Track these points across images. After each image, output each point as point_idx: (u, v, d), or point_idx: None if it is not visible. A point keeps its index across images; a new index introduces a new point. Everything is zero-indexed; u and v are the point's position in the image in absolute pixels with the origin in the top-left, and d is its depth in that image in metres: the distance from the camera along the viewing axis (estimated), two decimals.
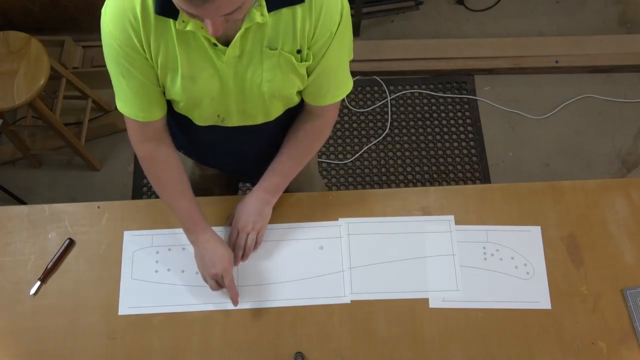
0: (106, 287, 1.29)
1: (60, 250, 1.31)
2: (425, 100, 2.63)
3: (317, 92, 1.17)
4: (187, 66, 1.04)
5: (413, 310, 1.29)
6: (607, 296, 1.31)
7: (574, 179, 1.44)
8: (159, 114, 1.16)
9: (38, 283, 1.29)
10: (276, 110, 1.20)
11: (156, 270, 1.31)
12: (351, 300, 1.29)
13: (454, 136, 2.55)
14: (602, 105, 2.65)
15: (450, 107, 2.61)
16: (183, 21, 0.97)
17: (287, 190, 1.35)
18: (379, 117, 2.58)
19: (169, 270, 1.31)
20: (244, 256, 1.30)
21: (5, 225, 1.35)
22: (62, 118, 2.25)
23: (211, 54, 1.03)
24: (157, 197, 2.16)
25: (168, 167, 1.23)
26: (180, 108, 1.16)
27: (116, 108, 1.17)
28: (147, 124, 1.16)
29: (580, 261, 1.34)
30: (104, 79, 2.61)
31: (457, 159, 2.50)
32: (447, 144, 2.54)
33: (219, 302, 1.28)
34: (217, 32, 0.90)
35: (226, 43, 1.02)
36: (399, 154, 2.51)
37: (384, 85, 2.61)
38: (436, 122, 2.58)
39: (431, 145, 2.53)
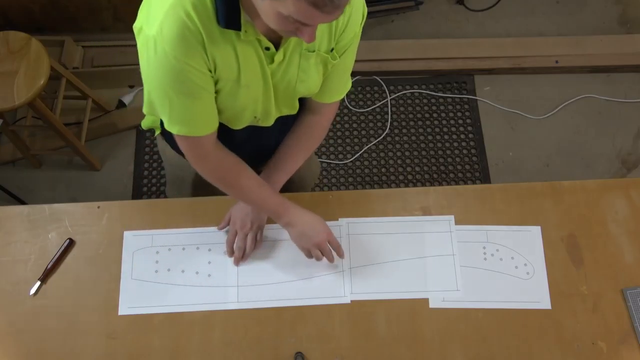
0: (106, 287, 1.29)
1: (60, 250, 1.31)
2: (425, 100, 2.63)
3: (326, 90, 1.19)
4: (245, 75, 1.05)
5: (413, 310, 1.29)
6: (607, 296, 1.31)
7: (574, 179, 1.44)
8: (218, 121, 1.15)
9: (38, 283, 1.29)
10: (299, 104, 1.23)
11: (156, 270, 1.31)
12: (351, 300, 1.29)
13: (454, 136, 2.54)
14: (602, 105, 2.65)
15: (450, 107, 2.61)
16: (245, 31, 0.98)
17: None
18: (379, 117, 2.58)
19: (169, 270, 1.31)
20: (244, 257, 1.30)
21: (5, 225, 1.35)
22: (62, 118, 2.25)
23: (263, 59, 1.04)
24: (157, 197, 2.15)
25: (238, 167, 1.22)
26: (225, 117, 1.15)
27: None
28: (211, 135, 1.14)
29: (580, 261, 1.34)
30: (104, 79, 2.63)
31: (457, 159, 2.50)
32: (447, 144, 2.54)
33: (219, 302, 1.28)
34: (314, 39, 0.91)
35: (275, 46, 1.04)
36: (399, 154, 2.51)
37: (384, 85, 2.61)
38: (436, 122, 2.58)
39: (431, 145, 2.53)
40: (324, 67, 1.13)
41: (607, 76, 2.70)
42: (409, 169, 2.48)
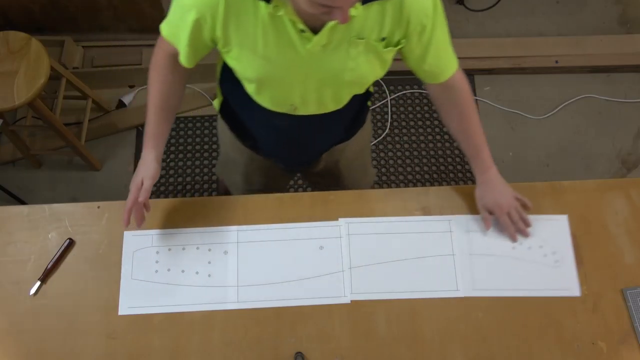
0: (106, 287, 1.29)
1: (60, 250, 1.31)
2: (425, 100, 2.63)
3: (438, 70, 1.22)
4: (263, 47, 1.07)
5: (413, 310, 1.29)
6: (607, 296, 1.31)
7: (574, 179, 1.44)
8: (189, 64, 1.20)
9: (38, 283, 1.29)
10: (347, 97, 1.24)
11: (156, 270, 1.31)
12: (351, 300, 1.29)
13: None
14: (602, 105, 2.65)
15: None
16: (276, 6, 1.00)
17: (341, 178, 1.51)
18: (379, 117, 2.58)
19: (169, 270, 1.32)
20: (523, 231, 1.32)
21: (5, 225, 1.35)
22: (62, 118, 2.25)
23: (295, 40, 1.05)
24: (157, 197, 2.17)
25: (173, 79, 1.25)
26: (252, 89, 1.19)
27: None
28: (176, 52, 1.19)
29: (580, 261, 1.34)
30: (104, 79, 2.63)
31: (457, 159, 2.50)
32: (447, 144, 2.54)
33: (219, 302, 1.28)
34: (347, 19, 0.93)
35: (312, 30, 1.04)
36: (399, 154, 2.51)
37: (384, 85, 2.61)
38: (436, 122, 2.58)
39: (431, 145, 2.53)
40: (376, 57, 1.12)
41: (607, 76, 2.70)
42: (409, 169, 2.48)
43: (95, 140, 2.49)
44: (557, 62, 2.65)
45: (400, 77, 2.63)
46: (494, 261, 1.33)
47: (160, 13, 2.45)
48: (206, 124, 2.56)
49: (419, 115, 2.59)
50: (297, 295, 1.29)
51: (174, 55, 1.20)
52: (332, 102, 1.23)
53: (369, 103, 1.49)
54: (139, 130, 2.52)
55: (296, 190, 2.43)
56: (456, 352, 1.25)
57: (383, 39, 1.10)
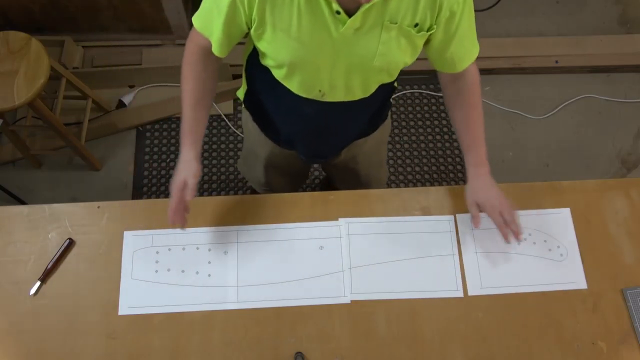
0: (106, 287, 1.29)
1: (60, 250, 1.31)
2: (425, 100, 2.63)
3: (457, 59, 1.20)
4: (297, 29, 1.06)
5: (413, 310, 1.29)
6: (607, 296, 1.31)
7: (574, 179, 1.44)
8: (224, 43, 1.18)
9: (38, 283, 1.29)
10: (374, 85, 1.24)
11: (156, 270, 1.31)
12: (351, 300, 1.29)
13: (454, 136, 2.54)
14: (602, 105, 2.65)
15: None
16: None
17: (358, 173, 1.52)
18: None
19: (169, 270, 1.32)
20: (518, 235, 1.30)
21: (5, 225, 1.35)
22: (62, 118, 2.26)
23: (329, 23, 1.05)
24: (157, 197, 2.18)
25: (206, 75, 1.24)
26: (282, 74, 1.18)
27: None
28: (209, 44, 1.19)
29: (580, 261, 1.34)
30: (104, 79, 2.63)
31: (457, 159, 2.50)
32: (447, 144, 2.54)
33: (219, 302, 1.28)
34: None
35: (346, 13, 1.03)
36: (398, 154, 2.51)
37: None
38: (436, 122, 2.58)
39: (431, 145, 2.53)
40: (408, 42, 1.11)
41: (607, 76, 2.70)
42: (409, 169, 2.48)
43: (95, 140, 2.49)
44: (557, 62, 2.65)
45: (401, 77, 2.62)
46: (499, 258, 1.34)
47: (161, 13, 2.46)
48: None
49: (419, 115, 2.59)
50: (297, 295, 1.29)
51: (206, 49, 1.20)
52: (359, 89, 1.22)
53: (391, 100, 1.49)
54: (139, 130, 2.52)
55: (303, 189, 2.43)
56: (456, 352, 1.25)
57: (416, 25, 1.08)
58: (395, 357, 1.25)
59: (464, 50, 1.20)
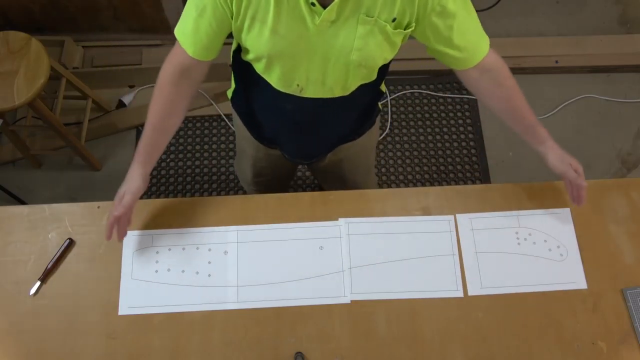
0: (106, 287, 1.29)
1: (60, 250, 1.31)
2: (425, 100, 2.63)
3: (467, 53, 1.19)
4: (273, 20, 1.06)
5: (413, 310, 1.29)
6: (607, 296, 1.31)
7: None
8: (206, 57, 1.18)
9: (38, 283, 1.29)
10: (354, 84, 1.22)
11: (156, 270, 1.31)
12: (351, 300, 1.29)
13: (454, 136, 2.55)
14: (602, 105, 2.65)
15: (450, 107, 2.61)
16: None
17: (344, 178, 1.54)
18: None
19: (169, 270, 1.32)
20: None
21: (5, 225, 1.35)
22: (62, 118, 2.26)
23: (304, 14, 1.04)
24: (157, 197, 2.17)
25: (175, 98, 1.23)
26: (262, 67, 1.18)
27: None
28: (191, 61, 1.18)
29: (580, 261, 1.34)
30: (104, 79, 2.63)
31: (457, 159, 2.50)
32: (447, 144, 2.54)
33: (219, 302, 1.28)
34: None
35: (322, 6, 1.03)
36: (399, 154, 2.51)
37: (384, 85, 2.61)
38: (436, 122, 2.58)
39: (431, 145, 2.53)
40: (385, 39, 1.10)
41: (607, 76, 2.70)
42: (409, 169, 2.48)
43: (95, 140, 2.49)
44: (557, 62, 2.65)
45: (401, 77, 2.63)
46: (500, 258, 1.34)
47: (160, 13, 2.46)
48: (206, 124, 2.56)
49: (419, 115, 2.59)
50: (297, 295, 1.29)
51: (183, 67, 1.19)
52: (338, 85, 1.21)
53: (380, 106, 1.48)
54: (139, 130, 2.52)
55: (303, 189, 2.43)
56: (456, 352, 1.25)
57: (394, 20, 1.07)
58: (395, 357, 1.25)
59: (471, 43, 1.18)
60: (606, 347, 1.26)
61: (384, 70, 1.27)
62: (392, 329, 1.27)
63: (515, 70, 2.62)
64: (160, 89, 1.22)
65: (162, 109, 1.23)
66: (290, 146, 1.48)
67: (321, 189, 2.31)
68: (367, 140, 1.54)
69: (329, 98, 1.23)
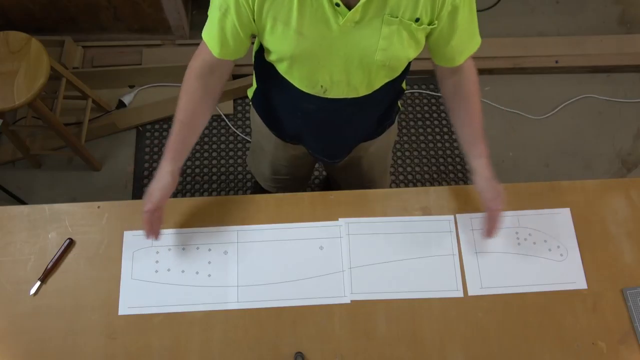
0: (106, 287, 1.29)
1: (60, 250, 1.31)
2: (425, 101, 2.63)
3: (458, 53, 1.19)
4: (297, 21, 1.05)
5: (413, 310, 1.29)
6: (607, 296, 1.31)
7: (574, 179, 1.44)
8: (232, 56, 1.19)
9: (38, 283, 1.29)
10: (379, 82, 1.22)
11: (156, 270, 1.31)
12: (351, 300, 1.29)
13: (454, 136, 2.54)
14: (602, 105, 2.65)
15: None
16: None
17: (360, 178, 1.54)
18: None
19: (169, 270, 1.32)
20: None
21: (5, 225, 1.35)
22: (62, 118, 2.26)
23: (328, 15, 1.04)
24: None
25: (202, 94, 1.23)
26: (284, 68, 1.18)
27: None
28: (217, 60, 1.18)
29: (580, 261, 1.34)
30: (104, 79, 2.63)
31: (457, 159, 2.50)
32: (447, 144, 2.54)
33: (219, 302, 1.28)
34: None
35: (346, 6, 1.03)
36: (399, 154, 2.51)
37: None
38: (436, 122, 2.58)
39: (431, 145, 2.53)
40: (410, 37, 1.10)
41: (607, 76, 2.70)
42: (409, 169, 2.48)
43: (95, 140, 2.49)
44: (557, 62, 2.65)
45: None
46: (500, 259, 1.34)
47: (160, 13, 2.46)
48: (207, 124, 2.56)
49: (419, 115, 2.59)
50: (297, 295, 1.29)
51: (210, 65, 1.20)
52: (362, 85, 1.20)
53: (400, 104, 1.48)
54: (139, 130, 2.53)
55: (312, 188, 2.43)
56: (456, 352, 1.25)
57: (417, 20, 1.07)
58: (395, 357, 1.25)
59: (464, 44, 1.19)
60: (606, 347, 1.26)
61: (406, 67, 1.27)
62: (392, 329, 1.27)
63: (515, 70, 2.66)
64: (187, 85, 1.23)
65: (189, 104, 1.23)
66: (314, 145, 1.48)
67: (326, 187, 2.31)
68: (386, 139, 1.55)
69: (353, 98, 1.23)
